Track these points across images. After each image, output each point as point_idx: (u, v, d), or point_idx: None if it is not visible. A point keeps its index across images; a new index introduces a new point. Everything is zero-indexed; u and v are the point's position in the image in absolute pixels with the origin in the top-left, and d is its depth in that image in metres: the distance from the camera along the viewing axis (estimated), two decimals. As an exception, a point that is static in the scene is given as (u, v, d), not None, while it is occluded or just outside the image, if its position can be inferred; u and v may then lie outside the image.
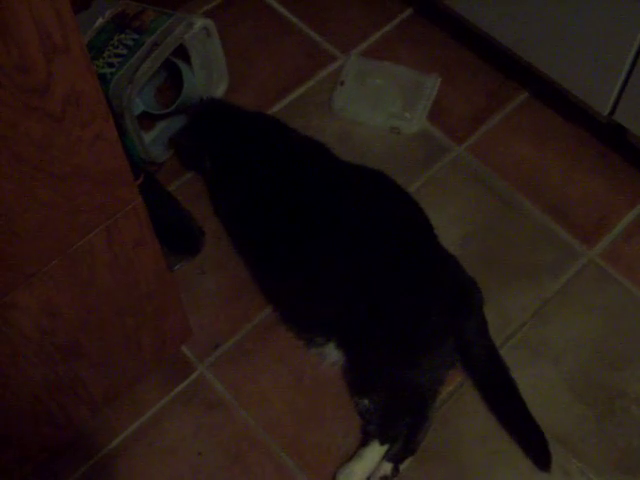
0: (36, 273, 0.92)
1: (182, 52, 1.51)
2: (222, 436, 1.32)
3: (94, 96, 0.81)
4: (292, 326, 1.39)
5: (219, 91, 1.64)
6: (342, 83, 1.66)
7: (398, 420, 1.27)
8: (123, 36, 1.47)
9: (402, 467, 1.27)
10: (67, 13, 0.71)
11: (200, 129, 1.51)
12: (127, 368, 1.24)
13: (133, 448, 1.31)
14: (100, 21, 1.50)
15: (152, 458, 1.31)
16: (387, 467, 1.26)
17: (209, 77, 1.60)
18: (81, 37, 0.75)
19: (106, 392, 1.24)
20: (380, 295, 1.31)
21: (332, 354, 1.33)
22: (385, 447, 1.26)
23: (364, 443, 1.28)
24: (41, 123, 0.78)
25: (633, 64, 1.33)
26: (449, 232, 1.47)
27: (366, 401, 1.28)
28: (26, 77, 0.73)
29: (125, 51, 1.44)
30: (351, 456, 1.28)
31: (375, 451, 1.26)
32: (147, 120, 1.58)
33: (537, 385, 1.34)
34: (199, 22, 1.49)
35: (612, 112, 1.44)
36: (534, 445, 1.28)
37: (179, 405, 1.34)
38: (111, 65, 1.44)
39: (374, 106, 1.64)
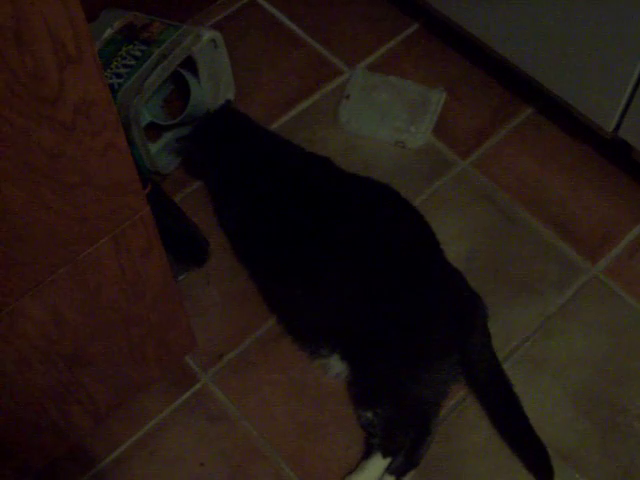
0: (43, 281, 0.93)
1: (190, 64, 1.52)
2: (224, 447, 1.32)
3: (105, 106, 0.81)
4: (296, 337, 1.39)
5: (225, 103, 1.65)
6: (348, 97, 1.67)
7: (401, 433, 1.27)
8: (131, 47, 1.47)
9: (404, 480, 1.28)
10: (81, 23, 0.72)
11: (208, 137, 1.52)
12: (131, 377, 1.24)
13: (135, 458, 1.31)
14: (109, 32, 1.51)
15: (154, 468, 1.31)
16: (389, 480, 1.26)
17: (216, 89, 1.61)
18: (94, 47, 0.75)
19: (109, 401, 1.24)
20: (385, 308, 1.31)
21: (336, 366, 1.33)
22: (388, 460, 1.26)
23: (366, 456, 1.28)
24: (52, 132, 0.79)
25: (638, 81, 1.34)
26: (453, 246, 1.47)
27: (369, 414, 1.28)
28: (39, 86, 0.73)
29: (133, 62, 1.45)
30: (353, 469, 1.28)
31: (377, 464, 1.26)
32: (154, 131, 1.58)
33: (540, 400, 1.34)
34: (207, 34, 1.50)
35: (617, 129, 1.45)
36: (537, 460, 1.28)
37: (182, 415, 1.35)
38: (119, 76, 1.44)
39: (379, 120, 1.64)
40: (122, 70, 1.45)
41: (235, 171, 1.48)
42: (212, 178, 1.54)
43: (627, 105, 1.39)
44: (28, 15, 0.67)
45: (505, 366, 1.35)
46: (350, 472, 1.28)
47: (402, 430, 1.27)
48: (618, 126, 1.44)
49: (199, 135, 1.52)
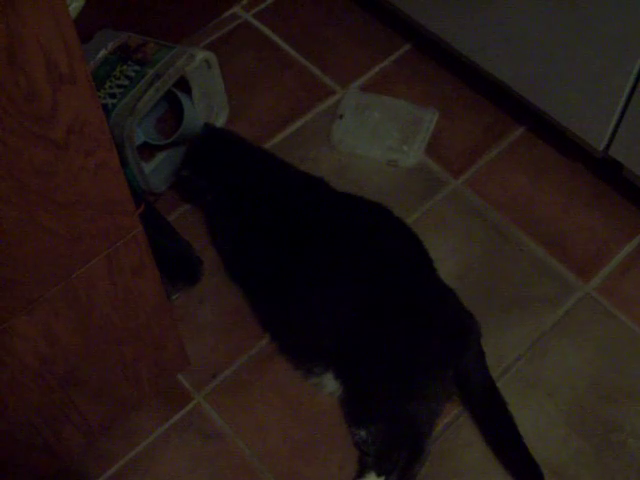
0: (36, 300, 0.93)
1: (183, 84, 1.53)
2: (218, 466, 1.31)
3: (98, 125, 0.82)
4: (290, 356, 1.39)
5: (219, 122, 1.66)
6: (341, 116, 1.68)
7: (395, 452, 1.26)
8: (125, 67, 1.48)
9: (398, 499, 1.27)
10: (74, 43, 0.72)
11: (204, 160, 1.52)
12: (124, 397, 1.24)
13: (128, 477, 1.31)
14: (103, 53, 1.52)
15: (147, 488, 1.30)
16: (383, 499, 1.26)
17: (209, 108, 1.62)
18: (87, 67, 0.76)
19: (102, 420, 1.24)
20: (379, 327, 1.31)
21: (330, 384, 1.33)
22: (381, 479, 1.26)
23: (360, 475, 1.28)
24: (45, 151, 0.79)
25: (628, 100, 1.35)
26: (446, 265, 1.47)
27: (363, 432, 1.28)
28: (32, 105, 0.74)
29: (127, 82, 1.46)
30: (347, 488, 1.28)
31: (371, 483, 1.26)
32: (147, 150, 1.59)
33: (533, 418, 1.34)
34: (200, 55, 1.51)
35: (607, 147, 1.46)
36: (531, 479, 1.28)
37: (175, 435, 1.34)
38: (113, 96, 1.45)
39: (372, 139, 1.65)
40: (116, 90, 1.46)
41: (229, 193, 1.48)
42: (206, 201, 1.54)
43: (617, 124, 1.40)
44: (21, 35, 0.68)
45: (498, 384, 1.35)
46: (344, 491, 1.28)
47: (396, 448, 1.26)
48: (609, 145, 1.45)
49: (191, 161, 1.52)
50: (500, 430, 1.32)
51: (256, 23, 1.85)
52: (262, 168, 1.52)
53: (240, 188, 1.48)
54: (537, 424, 1.33)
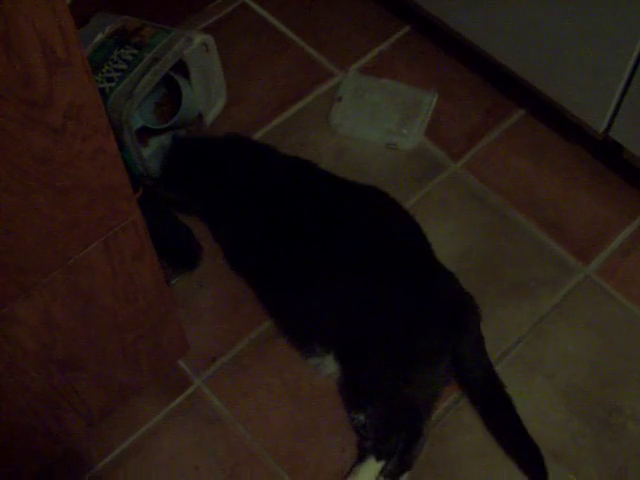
0: (35, 285, 0.93)
1: (181, 67, 1.52)
2: (218, 450, 1.32)
3: (95, 110, 0.81)
4: (293, 337, 1.38)
5: (217, 106, 1.65)
6: (340, 99, 1.67)
7: (393, 435, 1.26)
8: (122, 51, 1.47)
9: (398, 483, 1.27)
10: (69, 27, 0.72)
11: (183, 175, 1.51)
12: (124, 381, 1.24)
13: (128, 463, 1.31)
14: (100, 36, 1.51)
15: (148, 473, 1.31)
16: (384, 483, 1.26)
17: (208, 92, 1.61)
18: (83, 51, 0.75)
19: (103, 405, 1.24)
20: (377, 310, 1.31)
21: (330, 366, 1.33)
22: (381, 464, 1.26)
23: (360, 459, 1.28)
24: (42, 136, 0.78)
25: (629, 82, 1.35)
26: (445, 248, 1.47)
27: (362, 416, 1.28)
28: (28, 90, 0.73)
29: (124, 66, 1.45)
30: (348, 471, 1.28)
31: (371, 467, 1.26)
32: (145, 135, 1.58)
33: (533, 401, 1.34)
34: (198, 38, 1.50)
35: (608, 129, 1.45)
36: (530, 461, 1.28)
37: (175, 419, 1.34)
38: (110, 80, 1.44)
39: (371, 122, 1.65)
40: (113, 74, 1.45)
41: (218, 195, 1.48)
42: (199, 209, 1.54)
43: (617, 106, 1.40)
44: (17, 20, 0.67)
45: (498, 367, 1.35)
46: (344, 476, 1.27)
47: (394, 432, 1.26)
48: (609, 127, 1.45)
49: (171, 181, 1.51)
50: (499, 413, 1.32)
51: (254, 6, 1.83)
52: (248, 162, 1.51)
53: (229, 187, 1.47)
54: (537, 407, 1.33)
